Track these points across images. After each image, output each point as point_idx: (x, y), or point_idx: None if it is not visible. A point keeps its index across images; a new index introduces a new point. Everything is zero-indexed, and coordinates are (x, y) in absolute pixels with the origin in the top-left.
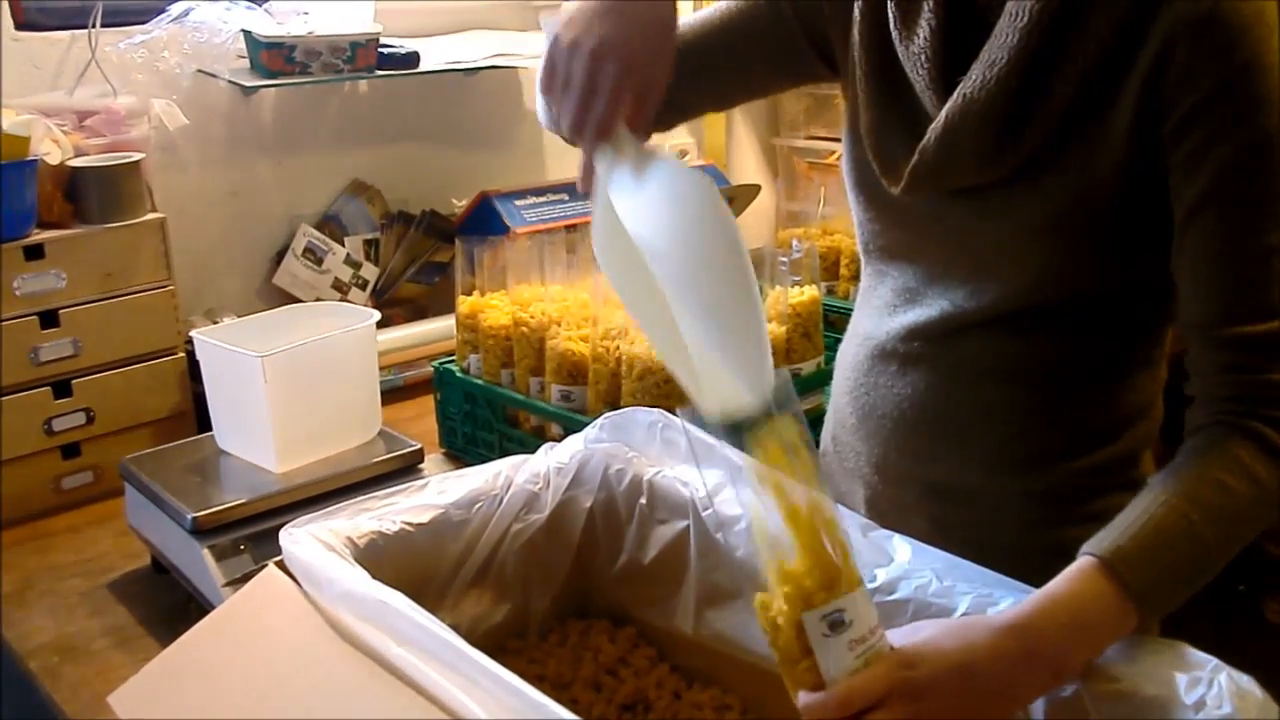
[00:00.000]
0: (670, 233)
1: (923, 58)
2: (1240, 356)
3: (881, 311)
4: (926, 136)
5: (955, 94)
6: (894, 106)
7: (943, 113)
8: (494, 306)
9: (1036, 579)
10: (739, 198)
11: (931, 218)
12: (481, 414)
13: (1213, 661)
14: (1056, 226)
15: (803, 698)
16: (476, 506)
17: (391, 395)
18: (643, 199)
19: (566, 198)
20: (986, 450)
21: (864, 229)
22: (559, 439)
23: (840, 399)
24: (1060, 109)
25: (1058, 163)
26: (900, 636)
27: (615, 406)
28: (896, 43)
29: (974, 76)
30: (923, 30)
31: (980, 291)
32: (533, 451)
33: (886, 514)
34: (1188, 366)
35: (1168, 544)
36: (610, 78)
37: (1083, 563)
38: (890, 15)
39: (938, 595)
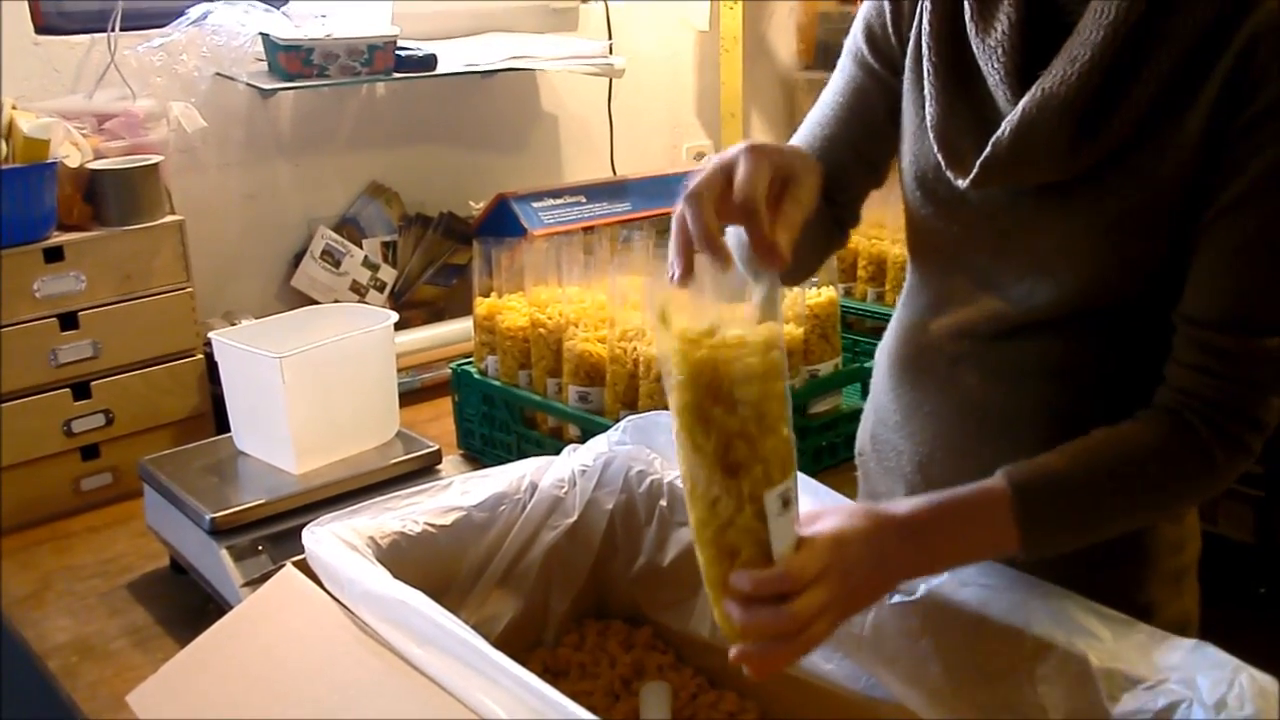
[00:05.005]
0: None
1: (999, 51)
2: (1213, 359)
3: (928, 311)
4: (1001, 129)
5: (1034, 88)
6: (963, 99)
7: (1019, 107)
8: (511, 308)
9: (1079, 582)
10: None
11: (992, 214)
12: (499, 415)
13: (1234, 661)
14: (1121, 226)
15: (743, 577)
16: (501, 509)
17: (409, 397)
18: None
19: (584, 199)
20: (1033, 449)
21: (918, 226)
22: (576, 440)
23: (881, 397)
24: (1139, 109)
25: (1130, 163)
26: (804, 521)
27: (633, 408)
28: (971, 35)
29: (1055, 71)
30: (1001, 24)
31: (1034, 293)
32: (550, 452)
33: None
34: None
35: (1077, 506)
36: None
37: (995, 487)
38: (967, 6)
39: (957, 596)
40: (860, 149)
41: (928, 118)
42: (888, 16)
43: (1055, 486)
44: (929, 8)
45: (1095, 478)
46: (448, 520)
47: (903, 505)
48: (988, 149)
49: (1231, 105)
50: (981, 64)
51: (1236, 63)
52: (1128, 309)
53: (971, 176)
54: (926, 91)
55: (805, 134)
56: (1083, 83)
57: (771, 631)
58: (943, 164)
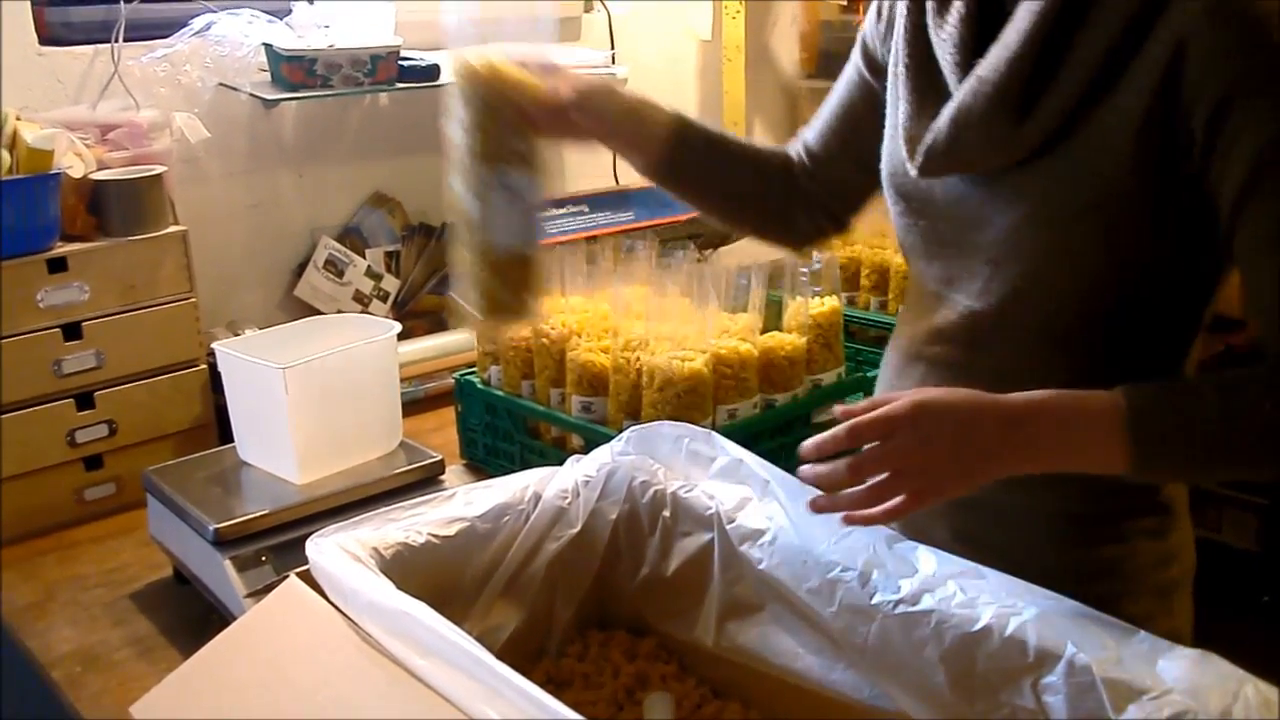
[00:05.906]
0: None
1: (950, 43)
2: None
3: (912, 314)
4: (940, 115)
5: (970, 75)
6: (928, 95)
7: (958, 93)
8: None
9: (1062, 593)
10: None
11: (948, 206)
12: (502, 425)
13: (1238, 673)
14: (1064, 218)
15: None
16: (504, 519)
17: (412, 407)
18: None
19: (586, 209)
20: None
21: (895, 225)
22: (579, 450)
23: None
24: (1070, 95)
25: (1066, 151)
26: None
27: (636, 418)
28: (931, 32)
29: (989, 58)
30: (953, 16)
31: (988, 291)
32: (554, 462)
33: (910, 522)
34: None
35: (1189, 430)
36: None
37: (1109, 402)
38: (929, 6)
39: (962, 606)
40: (858, 156)
41: (900, 115)
42: (875, 27)
43: (1169, 405)
44: (903, 12)
45: (1216, 424)
46: (451, 531)
47: (1005, 395)
48: (928, 135)
49: (1178, 99)
50: (939, 56)
51: (1174, 52)
52: (1098, 314)
53: (918, 164)
54: (899, 92)
55: (810, 139)
56: (1011, 68)
57: (839, 482)
58: (904, 155)
